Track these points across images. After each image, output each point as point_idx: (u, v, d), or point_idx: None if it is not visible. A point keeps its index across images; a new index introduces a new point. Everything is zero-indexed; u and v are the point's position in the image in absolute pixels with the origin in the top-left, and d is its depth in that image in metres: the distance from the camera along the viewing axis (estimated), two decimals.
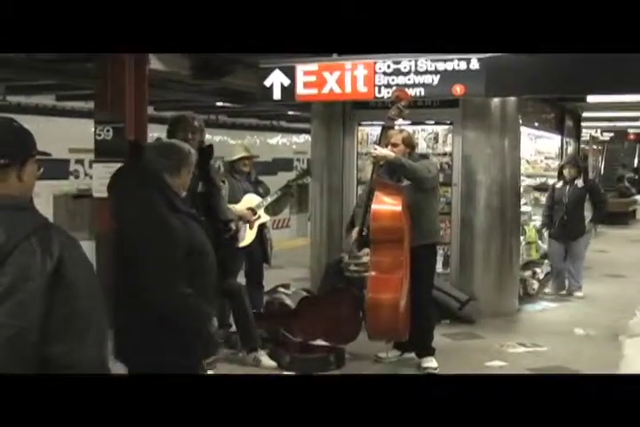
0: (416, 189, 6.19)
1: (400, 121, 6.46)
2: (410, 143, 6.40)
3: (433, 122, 8.66)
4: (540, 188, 10.93)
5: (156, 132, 11.38)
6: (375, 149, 6.13)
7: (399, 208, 6.03)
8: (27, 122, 2.34)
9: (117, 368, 4.01)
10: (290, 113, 16.14)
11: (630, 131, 23.10)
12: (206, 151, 5.37)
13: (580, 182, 9.80)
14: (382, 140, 6.20)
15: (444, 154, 8.58)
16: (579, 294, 9.74)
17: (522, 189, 9.28)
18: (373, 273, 6.06)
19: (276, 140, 19.67)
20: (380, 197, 6.06)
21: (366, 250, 6.26)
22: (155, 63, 7.83)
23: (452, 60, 6.49)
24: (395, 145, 6.23)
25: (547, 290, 9.95)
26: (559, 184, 9.87)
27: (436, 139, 8.65)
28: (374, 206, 6.04)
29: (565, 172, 9.78)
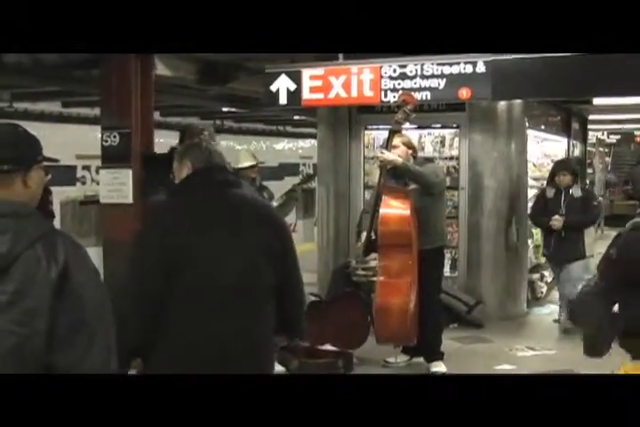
0: (423, 194, 6.19)
1: (407, 125, 6.46)
2: (410, 145, 6.40)
3: (439, 126, 8.66)
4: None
5: (162, 138, 11.43)
6: (382, 154, 6.13)
7: (407, 212, 6.01)
8: (33, 128, 2.32)
9: None
10: (296, 118, 16.15)
11: (637, 133, 23.05)
12: None
13: (576, 191, 8.04)
14: (389, 145, 6.19)
15: (451, 158, 8.58)
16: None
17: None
18: (382, 278, 6.05)
19: (282, 145, 19.69)
20: (388, 201, 6.05)
21: (374, 254, 6.25)
22: (161, 69, 7.83)
23: (458, 63, 6.47)
24: (395, 147, 6.22)
25: (567, 325, 7.52)
26: (551, 192, 8.09)
27: (442, 142, 8.65)
28: (382, 211, 6.03)
29: (557, 179, 8.02)
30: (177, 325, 3.08)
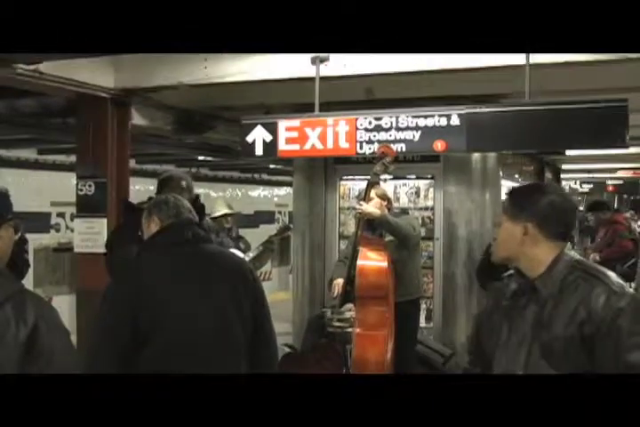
0: (400, 246, 6.21)
1: (385, 176, 6.50)
2: (384, 197, 6.45)
3: (414, 176, 8.71)
4: None
5: (138, 185, 11.41)
6: (361, 205, 6.16)
7: (385, 264, 6.02)
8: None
9: None
10: (271, 166, 16.21)
11: (609, 182, 23.35)
12: (197, 211, 5.29)
13: None
14: (367, 196, 6.22)
15: (426, 208, 8.62)
16: None
17: None
18: (358, 330, 6.03)
19: (258, 192, 19.71)
20: (366, 253, 6.05)
21: (349, 305, 6.23)
22: (137, 119, 7.85)
23: (432, 116, 6.53)
24: (370, 199, 6.25)
25: None
26: None
27: (417, 193, 8.70)
28: (360, 262, 6.02)
29: None
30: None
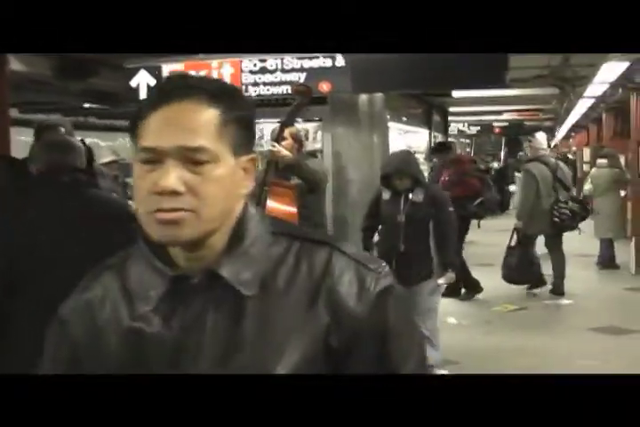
0: (308, 191, 5.93)
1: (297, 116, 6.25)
2: (298, 138, 6.15)
3: (302, 119, 8.70)
4: None
5: (21, 136, 11.07)
6: (274, 147, 5.75)
7: (294, 209, 5.75)
8: None
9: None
10: None
11: (495, 124, 23.91)
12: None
13: (418, 196, 6.10)
14: (279, 138, 5.87)
15: (315, 151, 8.65)
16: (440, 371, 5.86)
17: None
18: None
19: None
20: (275, 197, 5.79)
21: None
22: (15, 64, 7.58)
23: (317, 57, 6.55)
24: (283, 139, 5.79)
25: None
26: (387, 195, 6.29)
27: (306, 136, 8.71)
28: (270, 206, 5.67)
29: (396, 183, 6.19)
30: (22, 342, 2.95)
